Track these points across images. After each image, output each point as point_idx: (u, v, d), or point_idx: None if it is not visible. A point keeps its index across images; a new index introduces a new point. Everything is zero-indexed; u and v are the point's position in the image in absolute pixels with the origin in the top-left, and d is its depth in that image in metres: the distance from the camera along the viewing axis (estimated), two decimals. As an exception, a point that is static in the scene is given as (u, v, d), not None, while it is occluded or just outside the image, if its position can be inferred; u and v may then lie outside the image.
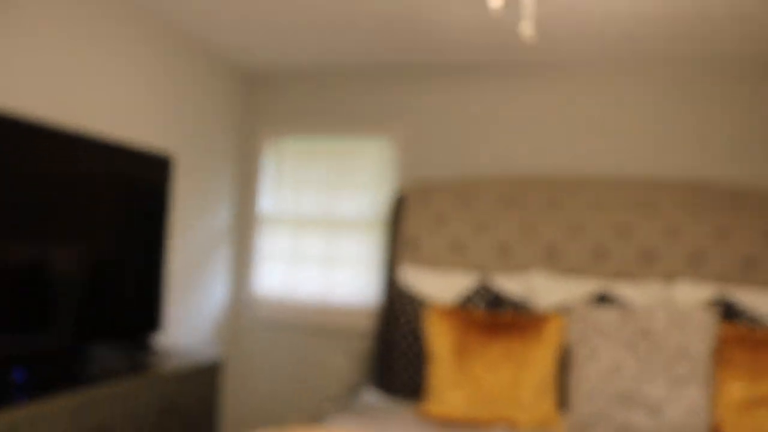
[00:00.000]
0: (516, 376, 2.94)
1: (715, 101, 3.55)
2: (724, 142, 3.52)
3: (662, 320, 2.92)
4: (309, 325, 3.98)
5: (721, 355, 2.85)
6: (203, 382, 3.21)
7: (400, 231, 3.71)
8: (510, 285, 3.41)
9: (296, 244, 4.07)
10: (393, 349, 3.28)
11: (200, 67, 3.73)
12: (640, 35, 3.27)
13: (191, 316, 3.75)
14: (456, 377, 2.99)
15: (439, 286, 3.46)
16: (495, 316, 3.10)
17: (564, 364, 3.02)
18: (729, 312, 3.05)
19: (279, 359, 3.99)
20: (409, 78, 3.96)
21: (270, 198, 4.16)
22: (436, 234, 3.65)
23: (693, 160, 3.54)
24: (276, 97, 4.16)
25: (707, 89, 3.56)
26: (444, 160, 3.86)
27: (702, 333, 2.87)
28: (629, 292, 3.26)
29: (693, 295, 3.19)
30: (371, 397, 3.23)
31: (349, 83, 4.05)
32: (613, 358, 2.88)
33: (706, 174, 3.52)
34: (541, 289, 3.36)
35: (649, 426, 2.76)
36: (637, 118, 3.64)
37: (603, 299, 3.20)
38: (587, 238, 3.48)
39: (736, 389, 2.79)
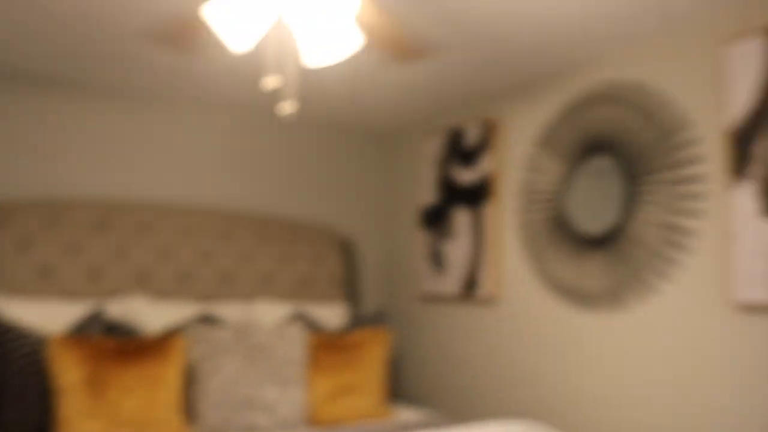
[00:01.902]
0: (150, 397, 3.09)
1: (281, 151, 4.31)
2: (287, 185, 4.28)
3: (270, 335, 3.46)
4: None
5: (312, 359, 3.55)
6: None
7: (-27, 256, 3.34)
8: (114, 310, 3.46)
9: None
10: (2, 390, 3.00)
11: None
12: (223, 83, 3.76)
13: None
14: (91, 407, 2.96)
15: (43, 316, 3.28)
16: (124, 342, 3.16)
17: (189, 381, 3.28)
18: (305, 322, 3.78)
19: None
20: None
21: None
22: (19, 258, 3.41)
23: (263, 197, 4.19)
24: None
25: (278, 139, 4.28)
26: (20, 178, 3.60)
27: (298, 342, 3.52)
28: (224, 311, 3.69)
29: (272, 311, 3.81)
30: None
31: None
32: (234, 370, 3.30)
33: (273, 210, 4.21)
34: (143, 312, 3.52)
35: (268, 424, 3.27)
36: (220, 156, 4.13)
37: (206, 320, 3.56)
38: (176, 262, 3.76)
39: (323, 384, 3.52)
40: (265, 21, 2.11)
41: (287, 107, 2.45)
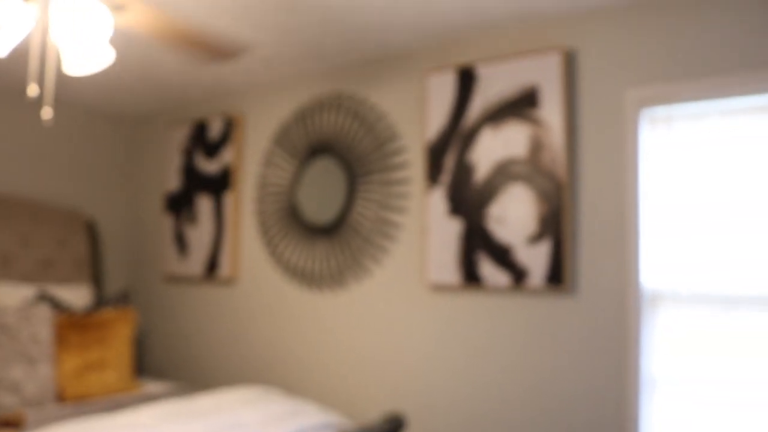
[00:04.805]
0: None
1: (28, 131, 4.29)
2: (32, 165, 4.30)
3: (14, 316, 3.58)
4: None
5: (59, 337, 3.72)
6: None
7: None
8: None
9: None
10: None
11: None
12: None
13: None
14: None
15: None
16: None
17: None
18: (50, 303, 3.91)
19: None
20: None
21: None
22: None
23: (4, 176, 4.18)
24: None
25: (27, 118, 4.26)
26: None
27: (45, 323, 3.67)
28: (-38, 294, 3.71)
29: (14, 293, 3.88)
30: None
31: None
32: (-22, 352, 3.39)
33: (17, 190, 4.22)
34: None
35: (13, 402, 3.42)
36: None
37: (-55, 303, 3.57)
38: None
39: (71, 361, 3.72)
40: (22, 29, 2.31)
41: (46, 113, 2.65)
